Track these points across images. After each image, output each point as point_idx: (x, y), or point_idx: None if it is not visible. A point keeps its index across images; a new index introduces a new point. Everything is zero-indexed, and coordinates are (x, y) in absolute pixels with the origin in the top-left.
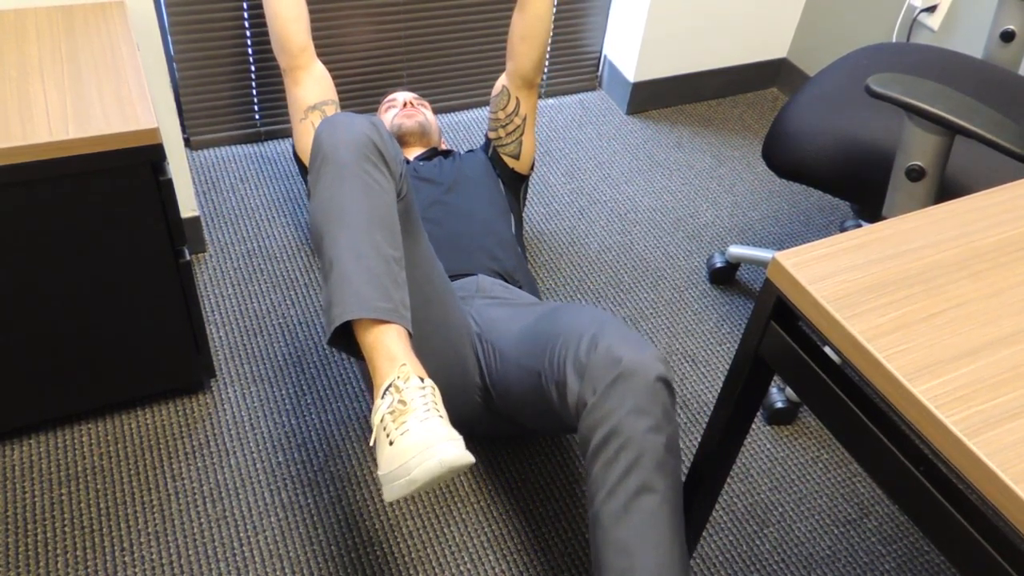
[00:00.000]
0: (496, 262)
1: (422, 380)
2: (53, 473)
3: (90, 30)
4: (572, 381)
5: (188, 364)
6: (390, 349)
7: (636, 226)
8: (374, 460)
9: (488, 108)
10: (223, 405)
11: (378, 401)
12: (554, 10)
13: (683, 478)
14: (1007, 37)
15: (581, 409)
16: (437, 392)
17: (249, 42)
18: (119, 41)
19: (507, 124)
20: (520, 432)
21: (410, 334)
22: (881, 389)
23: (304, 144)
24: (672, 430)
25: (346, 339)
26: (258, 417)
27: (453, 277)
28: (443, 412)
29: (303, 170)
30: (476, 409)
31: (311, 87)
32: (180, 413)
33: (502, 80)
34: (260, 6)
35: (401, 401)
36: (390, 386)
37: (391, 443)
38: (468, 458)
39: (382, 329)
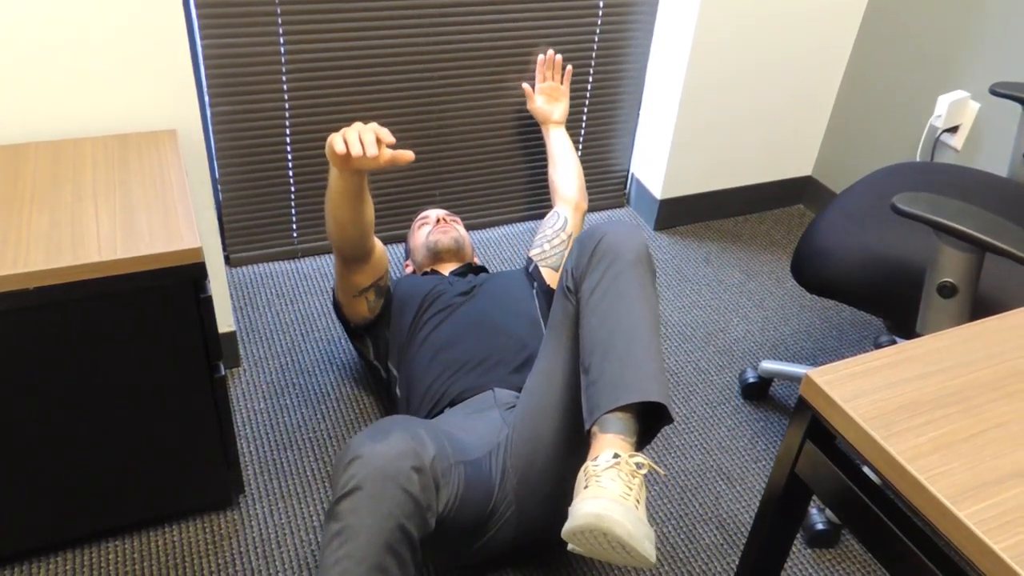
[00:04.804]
0: (519, 376)
1: None
2: None
3: (143, 157)
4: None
5: (217, 480)
6: None
7: (666, 341)
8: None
9: (533, 225)
10: (250, 522)
11: None
12: (579, 155)
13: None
14: None
15: (577, 272)
16: None
17: (290, 163)
18: (169, 167)
19: (553, 239)
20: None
21: None
22: (925, 512)
23: (355, 311)
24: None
25: None
26: (284, 534)
27: (471, 393)
28: None
29: (341, 315)
30: (502, 543)
31: (367, 273)
32: (207, 530)
33: (555, 207)
34: (302, 130)
35: None
36: None
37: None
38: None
39: None
